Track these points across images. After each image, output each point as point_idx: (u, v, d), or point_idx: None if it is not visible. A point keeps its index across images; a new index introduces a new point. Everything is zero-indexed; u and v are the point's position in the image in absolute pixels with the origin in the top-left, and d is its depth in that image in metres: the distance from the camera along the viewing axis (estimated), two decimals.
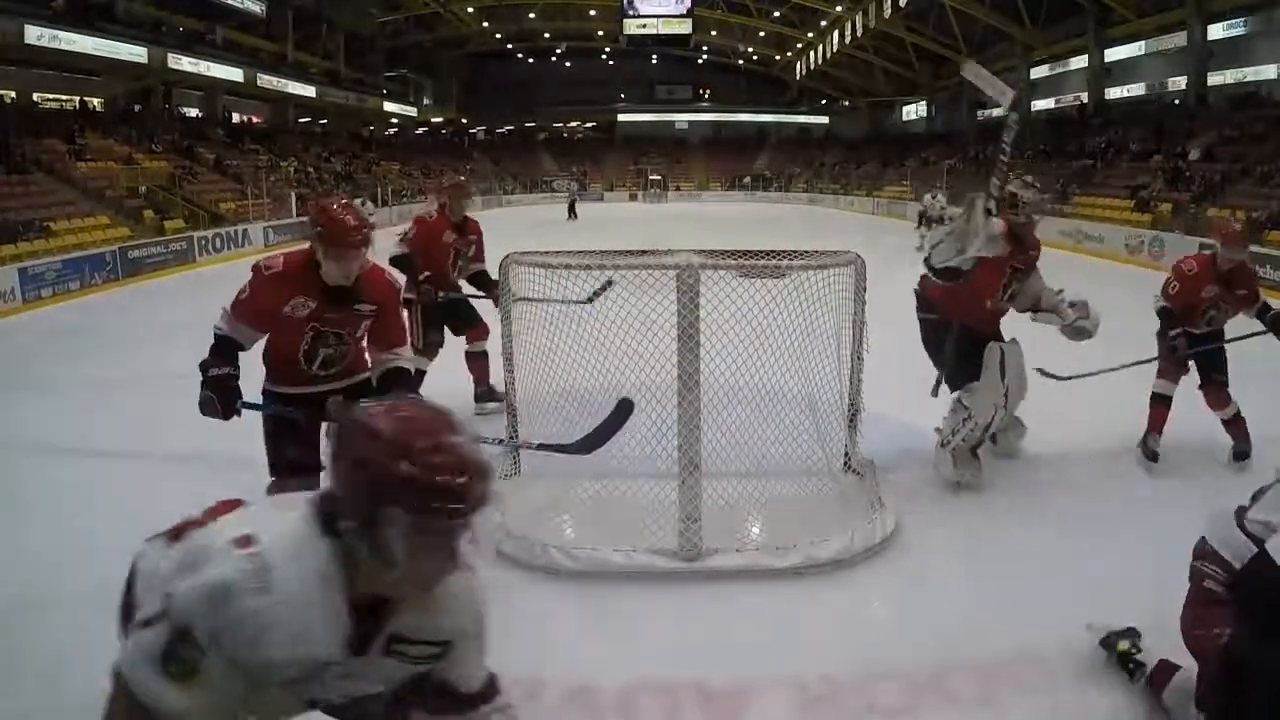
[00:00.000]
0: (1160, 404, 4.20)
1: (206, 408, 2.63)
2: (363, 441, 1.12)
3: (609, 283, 3.84)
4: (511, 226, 14.99)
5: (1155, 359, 4.22)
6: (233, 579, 1.12)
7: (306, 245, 2.65)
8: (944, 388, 3.92)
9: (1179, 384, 4.18)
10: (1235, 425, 4.09)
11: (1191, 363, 4.14)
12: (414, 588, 1.22)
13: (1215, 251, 4.12)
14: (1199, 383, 4.15)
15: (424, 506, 1.10)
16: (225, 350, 2.66)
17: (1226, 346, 4.18)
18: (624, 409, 2.61)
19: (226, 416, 2.64)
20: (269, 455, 2.78)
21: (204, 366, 2.65)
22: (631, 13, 38.09)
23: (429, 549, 1.13)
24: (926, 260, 3.71)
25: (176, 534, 1.36)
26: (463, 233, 4.88)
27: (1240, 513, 1.93)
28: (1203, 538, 2.00)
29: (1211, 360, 4.11)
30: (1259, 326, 4.15)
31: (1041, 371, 4.27)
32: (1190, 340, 4.07)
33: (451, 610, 1.31)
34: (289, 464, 2.68)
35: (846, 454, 3.86)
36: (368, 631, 1.24)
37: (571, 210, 25.05)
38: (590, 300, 3.86)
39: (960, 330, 3.80)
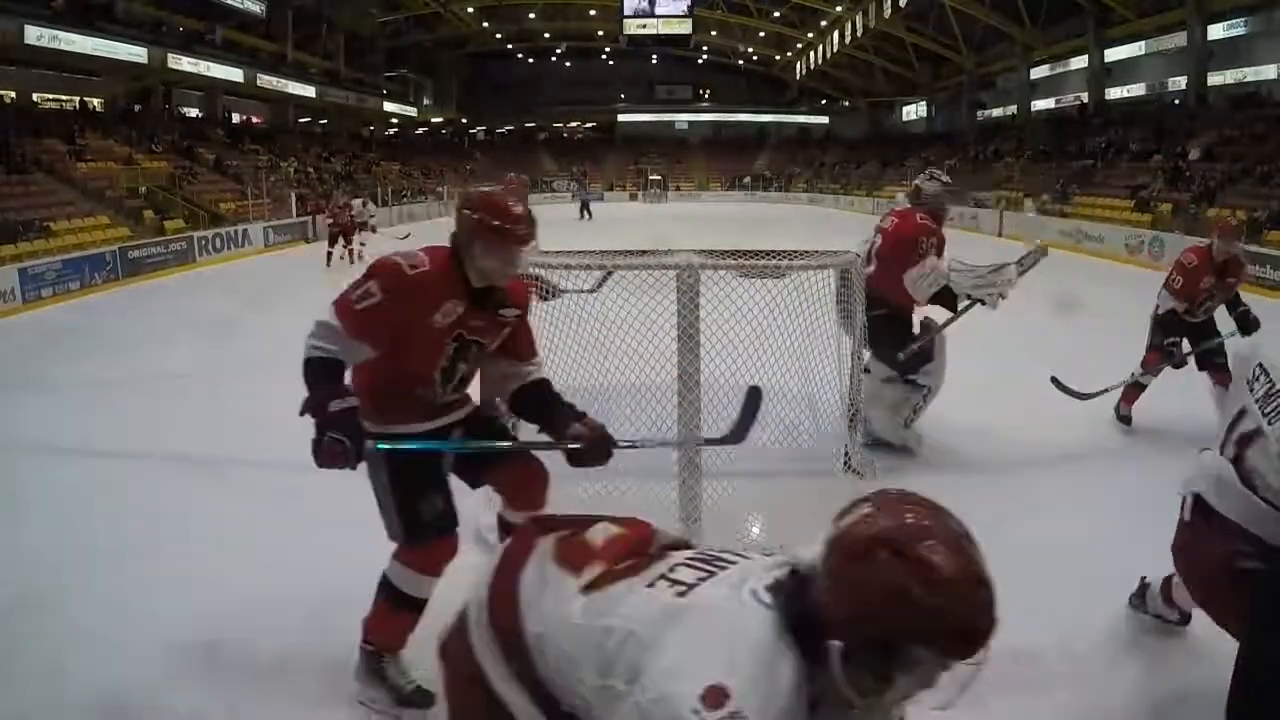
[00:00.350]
0: (1137, 389, 4.56)
1: (329, 456, 1.96)
2: (907, 573, 0.98)
3: (609, 272, 3.91)
4: None
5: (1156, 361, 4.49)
6: None
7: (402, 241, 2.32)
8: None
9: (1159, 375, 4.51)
10: None
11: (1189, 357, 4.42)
12: (863, 712, 1.08)
13: (1212, 244, 4.35)
14: (1198, 368, 4.43)
15: (962, 651, 0.99)
16: (335, 376, 2.04)
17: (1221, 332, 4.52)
18: (756, 396, 2.50)
19: (356, 464, 2.02)
20: (399, 515, 2.21)
21: (316, 403, 1.99)
22: (645, 13, 38.00)
23: (924, 685, 1.03)
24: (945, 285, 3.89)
25: (573, 560, 1.24)
26: None
27: (1246, 471, 1.86)
28: (1211, 507, 1.91)
29: (1207, 351, 4.42)
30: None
31: (1062, 388, 4.49)
32: (1186, 329, 4.41)
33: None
34: (431, 523, 2.22)
35: (846, 454, 3.86)
36: None
37: (587, 210, 25.00)
38: (596, 289, 3.93)
39: (907, 321, 4.11)
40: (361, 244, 13.48)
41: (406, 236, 13.83)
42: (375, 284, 2.05)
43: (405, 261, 2.10)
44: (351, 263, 12.73)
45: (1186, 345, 4.40)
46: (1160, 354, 4.40)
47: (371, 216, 14.70)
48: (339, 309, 2.05)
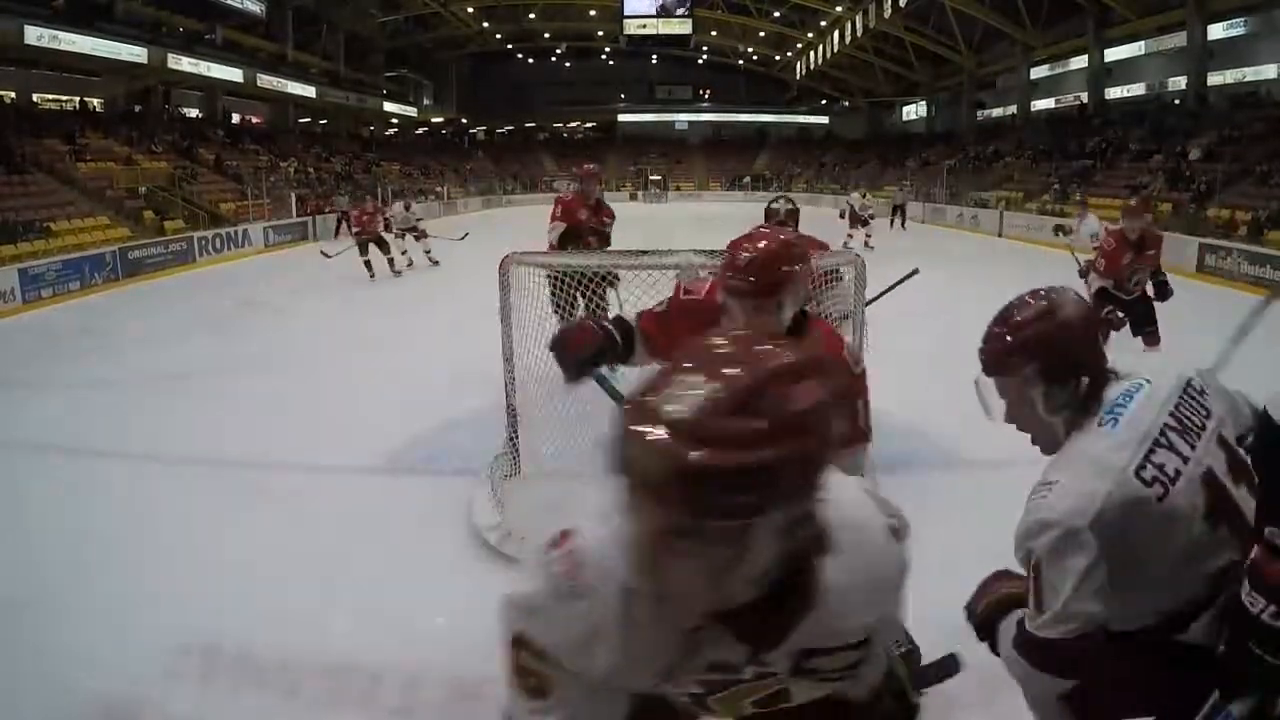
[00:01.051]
0: None
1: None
2: None
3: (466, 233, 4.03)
4: (512, 227, 15.05)
5: None
6: None
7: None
8: None
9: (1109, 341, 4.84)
10: None
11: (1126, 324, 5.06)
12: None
13: (1121, 225, 5.10)
14: (1133, 334, 5.07)
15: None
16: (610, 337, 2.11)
17: (1156, 304, 5.23)
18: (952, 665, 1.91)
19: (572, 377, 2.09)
20: None
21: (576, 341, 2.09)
22: (669, 12, 38.00)
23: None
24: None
25: None
26: (597, 212, 5.46)
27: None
28: None
29: (1140, 318, 5.14)
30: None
31: None
32: (1120, 305, 5.06)
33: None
34: None
35: None
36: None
37: None
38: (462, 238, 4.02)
39: None
40: (427, 251, 12.71)
41: (464, 236, 13.28)
42: (671, 297, 2.17)
43: (686, 284, 2.15)
44: (396, 273, 11.67)
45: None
46: (1102, 324, 4.76)
47: (419, 219, 13.26)
48: (641, 320, 2.16)
